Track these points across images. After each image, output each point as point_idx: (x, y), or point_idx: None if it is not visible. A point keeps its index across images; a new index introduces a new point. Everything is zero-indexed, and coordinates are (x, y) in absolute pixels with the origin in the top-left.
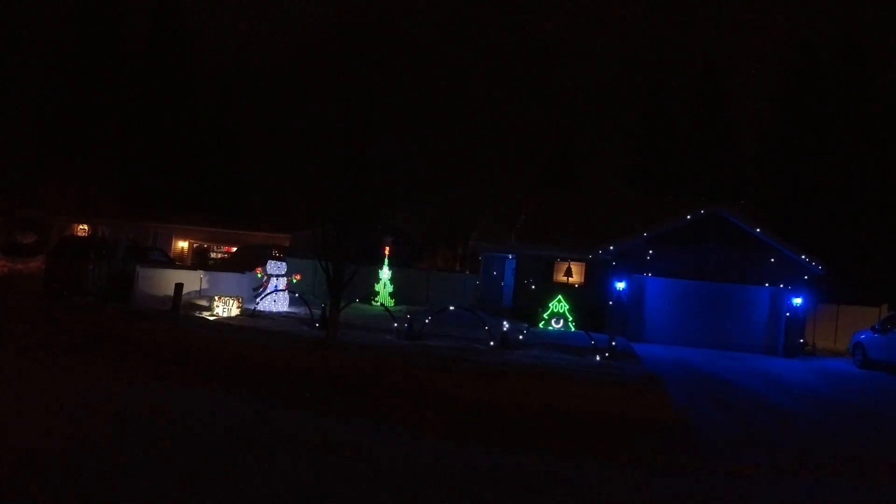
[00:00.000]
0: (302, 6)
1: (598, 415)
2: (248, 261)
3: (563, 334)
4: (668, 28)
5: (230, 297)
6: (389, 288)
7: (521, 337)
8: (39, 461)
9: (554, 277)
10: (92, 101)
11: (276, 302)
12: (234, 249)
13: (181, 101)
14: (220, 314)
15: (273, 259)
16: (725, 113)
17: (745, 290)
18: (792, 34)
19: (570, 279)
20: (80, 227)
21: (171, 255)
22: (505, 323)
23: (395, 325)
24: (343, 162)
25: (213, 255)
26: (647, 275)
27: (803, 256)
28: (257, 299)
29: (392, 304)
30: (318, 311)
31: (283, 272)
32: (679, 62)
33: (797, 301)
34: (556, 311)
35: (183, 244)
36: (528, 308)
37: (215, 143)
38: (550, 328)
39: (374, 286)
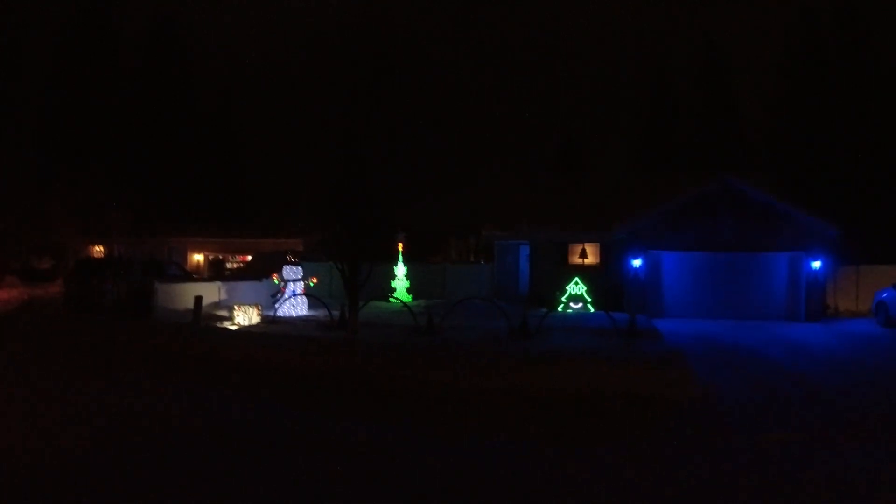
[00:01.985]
0: (302, 3)
1: (623, 396)
2: (263, 268)
3: (582, 316)
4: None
5: (249, 305)
6: (406, 284)
7: (540, 323)
8: (82, 467)
9: (569, 260)
10: (94, 119)
11: (294, 306)
12: (250, 258)
13: (183, 113)
14: (241, 323)
15: (288, 264)
16: (731, 83)
17: (763, 257)
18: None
19: (585, 261)
20: (96, 248)
21: (188, 268)
22: (523, 310)
23: (415, 320)
24: (350, 160)
25: (228, 265)
26: (663, 250)
27: (818, 220)
28: (276, 305)
29: (410, 300)
30: (336, 313)
31: (299, 276)
32: (683, 34)
33: (816, 265)
34: (573, 293)
35: (198, 257)
36: (546, 293)
37: (220, 153)
38: (569, 311)
39: (390, 283)
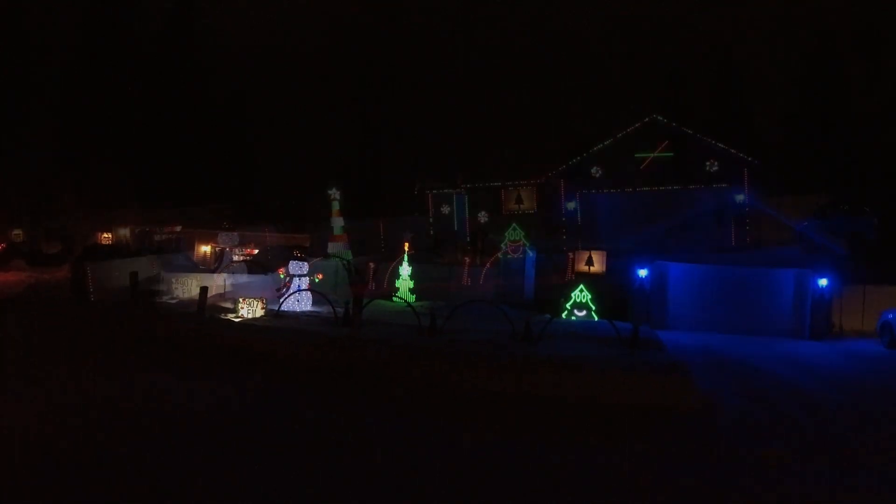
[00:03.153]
0: None
1: (624, 404)
2: (269, 262)
3: (586, 324)
4: (684, 8)
5: (254, 298)
6: (410, 284)
7: (544, 329)
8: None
9: (576, 267)
10: (108, 111)
11: (299, 301)
12: (256, 251)
13: (195, 108)
14: (245, 315)
15: (295, 259)
16: (743, 97)
17: (770, 273)
18: (810, 17)
19: (591, 269)
20: (104, 235)
21: (195, 259)
22: (527, 315)
23: (418, 320)
24: (360, 154)
25: (235, 257)
26: (669, 261)
27: (826, 237)
28: (280, 299)
29: (413, 300)
30: (340, 310)
31: (304, 272)
32: (696, 43)
33: (822, 282)
34: (578, 301)
35: (205, 248)
36: (551, 299)
37: (232, 146)
38: (573, 318)
39: (395, 282)
